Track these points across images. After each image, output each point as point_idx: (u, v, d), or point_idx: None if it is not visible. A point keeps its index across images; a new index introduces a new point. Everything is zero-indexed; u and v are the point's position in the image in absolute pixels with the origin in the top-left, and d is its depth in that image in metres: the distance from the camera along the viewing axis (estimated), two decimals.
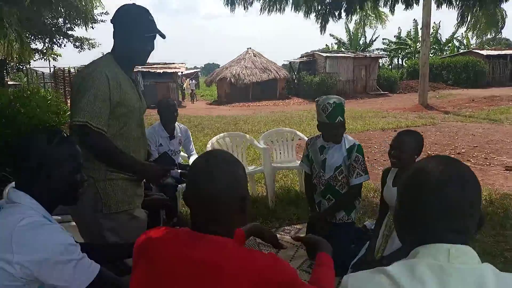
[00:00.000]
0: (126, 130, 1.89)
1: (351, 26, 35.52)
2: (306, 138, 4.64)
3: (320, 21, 5.03)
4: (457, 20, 5.98)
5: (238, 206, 1.09)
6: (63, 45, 18.59)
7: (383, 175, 2.56)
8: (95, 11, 15.09)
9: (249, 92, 23.23)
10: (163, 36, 1.96)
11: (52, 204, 1.37)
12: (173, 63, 23.84)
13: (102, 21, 16.82)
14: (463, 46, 37.96)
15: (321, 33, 5.55)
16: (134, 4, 1.94)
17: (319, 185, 2.91)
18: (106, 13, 16.35)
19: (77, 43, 19.93)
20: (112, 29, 1.92)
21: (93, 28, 17.08)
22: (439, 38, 37.22)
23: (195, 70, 42.87)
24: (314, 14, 4.97)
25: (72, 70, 21.79)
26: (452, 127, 10.33)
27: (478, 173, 5.54)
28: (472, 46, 35.10)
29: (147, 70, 21.37)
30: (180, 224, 3.56)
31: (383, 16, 11.77)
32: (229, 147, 4.38)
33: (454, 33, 37.00)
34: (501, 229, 3.40)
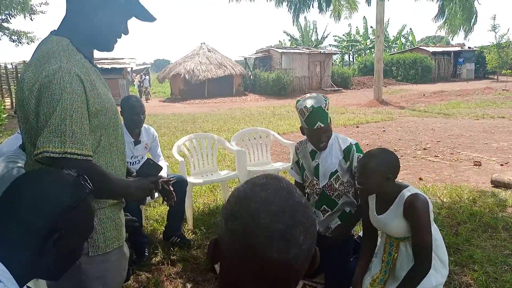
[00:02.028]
0: (106, 144, 1.38)
1: (302, 22, 35.93)
2: (281, 138, 4.28)
3: (292, 10, 4.68)
4: (437, 13, 5.88)
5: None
6: None
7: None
8: (34, 1, 13.81)
9: (205, 89, 22.59)
10: (150, 18, 1.43)
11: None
12: (122, 58, 22.59)
13: (42, 12, 15.47)
14: (408, 43, 39.60)
15: (293, 24, 5.22)
16: None
17: (312, 195, 2.52)
18: (46, 3, 15.05)
19: (13, 37, 18.31)
20: (71, 7, 1.35)
21: (32, 20, 15.68)
22: (387, 35, 38.53)
23: (145, 66, 40.95)
24: (286, 3, 4.60)
25: (9, 66, 19.96)
26: (411, 122, 10.46)
27: (450, 169, 5.48)
28: (417, 43, 36.71)
29: (101, 67, 20.06)
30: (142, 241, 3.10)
31: (354, 5, 11.71)
32: (197, 151, 3.91)
33: (401, 30, 38.52)
34: (493, 232, 3.22)
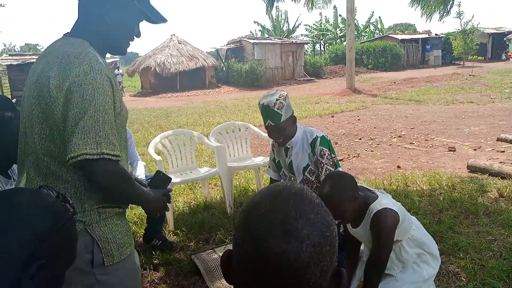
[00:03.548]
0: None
1: (274, 12, 35.76)
2: (260, 131, 4.19)
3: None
4: None
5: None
6: None
7: None
8: None
9: (176, 82, 22.17)
10: (162, 20, 1.43)
11: None
12: None
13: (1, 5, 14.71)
14: (377, 31, 40.17)
15: (266, 13, 5.10)
16: None
17: None
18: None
19: None
20: (85, 7, 1.34)
21: None
22: (356, 24, 38.92)
23: (114, 59, 39.54)
24: None
25: None
26: (384, 110, 10.60)
27: (426, 156, 5.56)
28: (386, 31, 37.27)
29: None
30: None
31: None
32: (175, 148, 3.76)
33: (369, 19, 38.99)
34: (475, 218, 3.26)
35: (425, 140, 6.65)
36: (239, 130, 4.20)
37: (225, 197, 3.60)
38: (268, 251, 0.55)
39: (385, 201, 1.82)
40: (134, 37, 1.42)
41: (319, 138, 2.28)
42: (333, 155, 2.31)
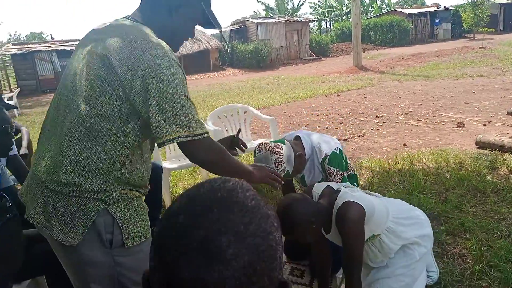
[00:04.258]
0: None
1: None
2: (260, 114, 4.07)
3: None
4: None
5: None
6: None
7: None
8: None
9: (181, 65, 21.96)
10: (218, 26, 1.49)
11: None
12: None
13: None
14: (384, 6, 39.21)
15: None
16: None
17: None
18: None
19: None
20: None
21: None
22: None
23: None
24: None
25: None
26: (391, 87, 10.36)
27: (433, 133, 5.40)
28: (393, 6, 36.36)
29: (63, 48, 19.20)
30: None
31: None
32: None
33: None
34: (482, 196, 3.14)
35: (433, 116, 6.46)
36: (238, 114, 4.08)
37: None
38: (182, 282, 0.43)
39: (347, 195, 1.73)
40: (191, 35, 1.46)
41: (328, 158, 2.16)
42: (340, 172, 2.18)
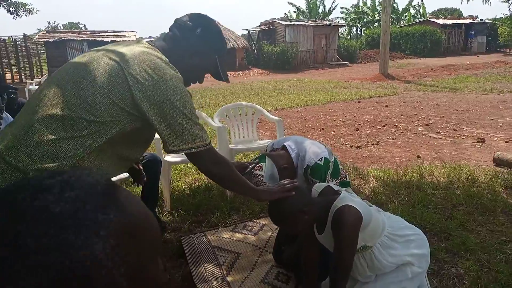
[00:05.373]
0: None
1: None
2: (268, 113, 4.01)
3: None
4: None
5: None
6: None
7: None
8: None
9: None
10: (226, 80, 1.68)
11: None
12: (122, 31, 22.08)
13: None
14: (419, 15, 38.35)
15: None
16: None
17: None
18: None
19: (11, 8, 17.94)
20: (177, 32, 1.53)
21: None
22: (396, 7, 37.25)
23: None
24: None
25: (5, 38, 19.61)
26: (415, 97, 10.08)
27: (451, 147, 5.20)
28: (428, 15, 35.51)
29: (93, 39, 19.67)
30: None
31: None
32: None
33: (410, 1, 37.19)
34: (491, 216, 2.98)
35: (454, 130, 6.24)
36: (246, 114, 4.03)
37: None
38: None
39: (347, 199, 1.65)
40: (199, 81, 1.65)
41: (310, 168, 2.04)
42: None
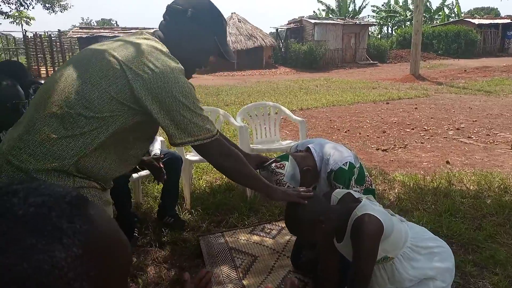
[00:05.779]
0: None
1: None
2: (291, 114, 3.95)
3: None
4: None
5: None
6: (31, 7, 17.21)
7: None
8: None
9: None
10: (232, 58, 1.60)
11: None
12: (152, 28, 22.38)
13: None
14: (453, 15, 37.12)
15: None
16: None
17: None
18: None
19: (47, 5, 18.55)
20: (169, 18, 1.48)
21: None
22: (429, 6, 36.17)
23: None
24: None
25: (41, 34, 20.30)
26: (447, 99, 9.74)
27: (482, 153, 4.97)
28: (463, 15, 34.32)
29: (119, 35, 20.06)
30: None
31: None
32: None
33: (444, 1, 36.03)
34: None
35: (486, 135, 5.97)
36: (269, 114, 3.99)
37: None
38: None
39: (368, 207, 1.57)
40: (202, 66, 1.58)
41: (333, 173, 1.99)
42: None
